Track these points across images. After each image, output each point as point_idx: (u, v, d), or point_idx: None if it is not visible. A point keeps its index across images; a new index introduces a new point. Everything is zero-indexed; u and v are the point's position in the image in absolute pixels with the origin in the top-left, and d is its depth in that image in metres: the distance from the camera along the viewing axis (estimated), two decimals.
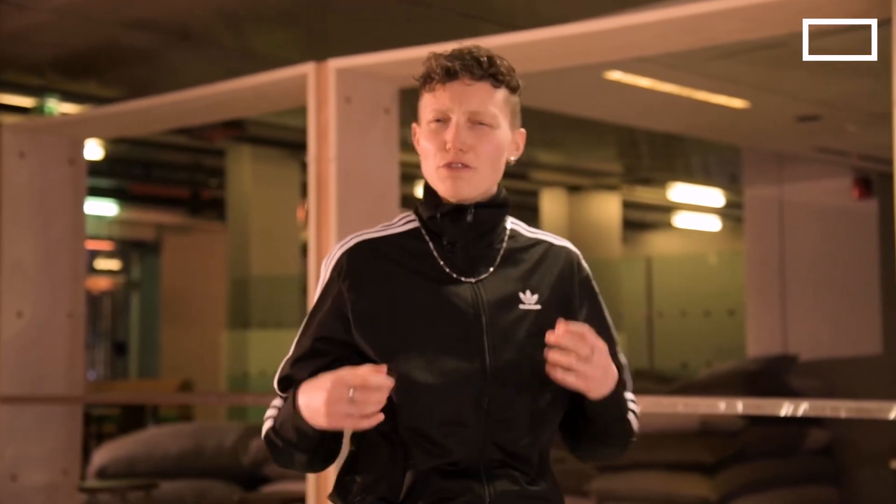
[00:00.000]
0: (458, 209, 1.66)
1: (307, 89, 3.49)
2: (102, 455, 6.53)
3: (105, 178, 9.51)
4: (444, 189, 1.65)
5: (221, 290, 9.26)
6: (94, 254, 11.97)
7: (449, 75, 1.64)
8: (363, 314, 1.62)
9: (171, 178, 9.81)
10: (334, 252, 1.69)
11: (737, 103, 5.18)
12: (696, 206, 11.26)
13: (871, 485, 5.81)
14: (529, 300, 1.65)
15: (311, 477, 3.40)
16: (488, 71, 1.65)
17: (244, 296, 8.65)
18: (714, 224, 12.39)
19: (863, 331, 6.26)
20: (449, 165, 1.63)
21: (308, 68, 3.50)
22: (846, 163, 6.31)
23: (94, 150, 7.78)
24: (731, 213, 11.19)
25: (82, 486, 4.41)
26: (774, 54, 4.34)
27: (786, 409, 2.92)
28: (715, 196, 10.43)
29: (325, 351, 1.64)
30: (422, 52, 3.32)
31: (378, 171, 3.54)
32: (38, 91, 6.38)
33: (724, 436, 5.34)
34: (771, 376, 5.74)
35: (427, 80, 1.67)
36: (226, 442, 6.64)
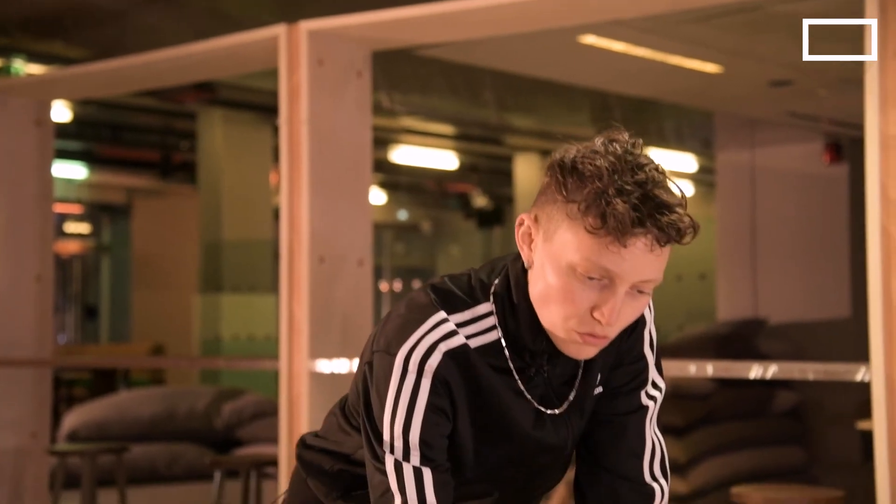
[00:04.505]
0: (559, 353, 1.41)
1: (279, 51, 3.46)
2: (73, 419, 6.51)
3: (73, 140, 9.40)
4: (568, 350, 1.38)
5: (193, 253, 9.21)
6: (64, 217, 11.87)
7: (635, 235, 1.29)
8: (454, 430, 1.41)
9: (142, 140, 9.72)
10: (424, 351, 1.36)
11: (710, 68, 5.18)
12: (669, 170, 11.28)
13: (837, 445, 5.89)
14: (597, 391, 1.51)
15: (283, 440, 3.40)
16: (678, 237, 1.32)
17: (216, 260, 8.60)
18: (687, 189, 12.41)
19: (832, 294, 6.32)
20: (587, 334, 1.35)
21: (280, 30, 3.46)
22: (817, 128, 6.34)
23: (61, 111, 7.69)
24: (703, 178, 11.23)
25: (52, 450, 4.39)
26: (748, 18, 4.33)
27: (755, 371, 2.95)
28: (687, 161, 10.46)
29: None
30: (395, 14, 3.30)
31: (350, 135, 3.52)
32: (3, 51, 6.29)
33: (694, 399, 5.39)
34: (741, 339, 5.79)
35: (601, 222, 1.28)
36: (198, 406, 6.63)
